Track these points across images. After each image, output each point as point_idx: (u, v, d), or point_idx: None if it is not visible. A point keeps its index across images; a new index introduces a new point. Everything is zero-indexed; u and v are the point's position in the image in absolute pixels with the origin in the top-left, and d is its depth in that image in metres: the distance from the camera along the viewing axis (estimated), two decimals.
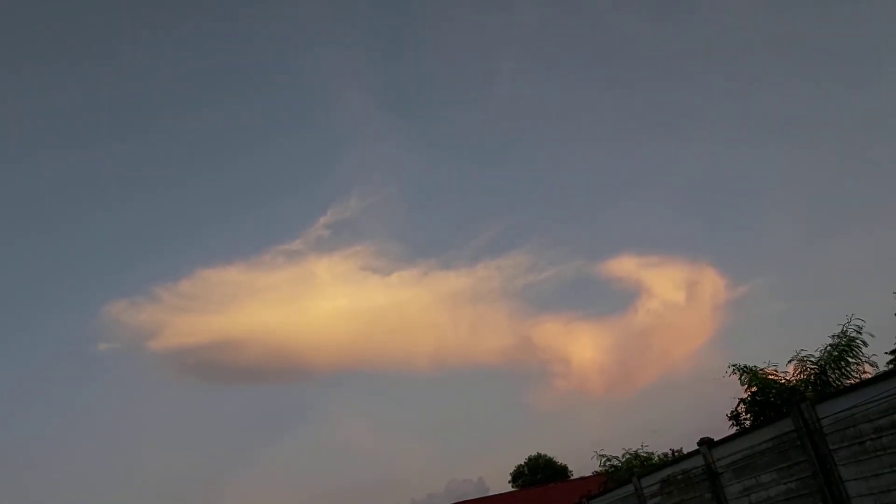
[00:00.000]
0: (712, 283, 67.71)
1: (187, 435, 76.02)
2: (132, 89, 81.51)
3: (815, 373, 15.11)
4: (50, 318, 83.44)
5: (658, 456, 22.03)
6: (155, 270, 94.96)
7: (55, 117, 77.93)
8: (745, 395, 16.34)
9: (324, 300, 73.41)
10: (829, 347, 15.07)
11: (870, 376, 13.65)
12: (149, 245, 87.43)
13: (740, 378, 16.20)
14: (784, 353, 16.14)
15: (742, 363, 16.38)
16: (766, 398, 15.66)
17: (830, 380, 14.79)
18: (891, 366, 15.20)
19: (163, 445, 73.94)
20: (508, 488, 51.24)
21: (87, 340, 79.16)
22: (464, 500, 45.37)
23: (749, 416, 16.27)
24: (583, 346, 70.95)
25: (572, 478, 49.70)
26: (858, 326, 14.79)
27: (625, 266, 70.78)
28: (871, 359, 14.76)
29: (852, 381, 14.22)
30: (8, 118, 74.12)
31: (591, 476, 38.59)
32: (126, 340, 74.77)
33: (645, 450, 21.86)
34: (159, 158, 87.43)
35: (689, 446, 16.75)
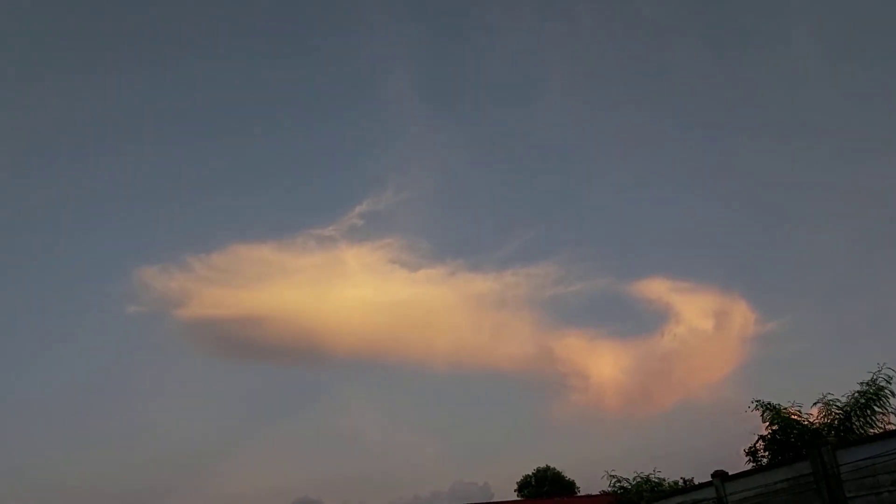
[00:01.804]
0: (742, 315, 66.65)
1: (201, 404, 77.63)
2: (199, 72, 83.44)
3: (840, 418, 14.95)
4: (83, 276, 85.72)
5: (669, 483, 21.91)
6: (189, 239, 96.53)
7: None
8: (765, 432, 16.22)
9: (350, 288, 74.13)
10: (856, 394, 14.91)
11: (895, 428, 13.49)
12: (186, 213, 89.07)
13: (762, 415, 16.10)
14: (809, 394, 16.02)
15: (766, 400, 16.30)
16: (786, 438, 15.54)
17: (854, 427, 14.63)
18: None
19: (176, 411, 75.50)
20: (513, 496, 51.14)
21: (117, 301, 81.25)
22: (469, 503, 45.38)
23: (767, 453, 16.15)
24: (604, 363, 70.51)
25: (579, 494, 49.43)
26: (888, 376, 14.62)
27: (655, 288, 70.07)
28: None
29: (876, 431, 14.05)
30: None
31: (598, 495, 38.32)
32: (154, 305, 76.53)
33: (657, 475, 21.74)
34: (206, 130, 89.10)
35: (702, 477, 16.71)
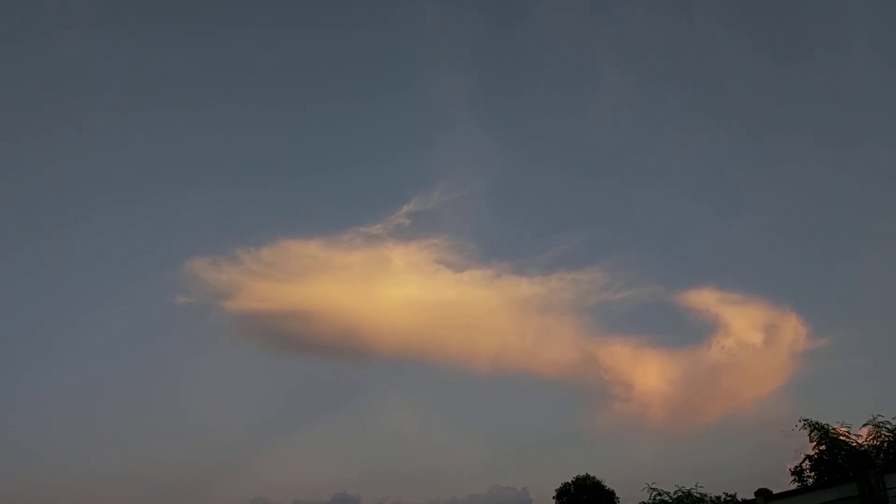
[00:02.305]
0: (793, 329, 65.03)
1: (245, 396, 79.72)
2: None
3: (890, 440, 14.68)
4: (135, 265, 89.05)
5: (710, 498, 21.65)
6: (239, 232, 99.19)
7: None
8: (812, 452, 16.01)
9: (394, 287, 75.11)
10: None
11: None
12: (237, 207, 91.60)
13: (810, 434, 15.91)
14: (859, 414, 15.76)
15: (813, 419, 16.10)
16: (833, 458, 15.31)
17: None
18: None
19: (220, 403, 77.60)
20: None
21: (167, 291, 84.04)
22: None
23: (813, 473, 15.93)
24: (649, 373, 69.68)
25: None
26: None
27: (704, 299, 68.91)
28: None
29: None
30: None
31: None
32: (203, 297, 78.94)
33: (698, 489, 21.51)
34: (259, 129, 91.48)
35: (744, 494, 16.53)
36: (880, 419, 15.10)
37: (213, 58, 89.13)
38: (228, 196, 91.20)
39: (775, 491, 14.38)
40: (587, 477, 51.63)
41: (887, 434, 14.75)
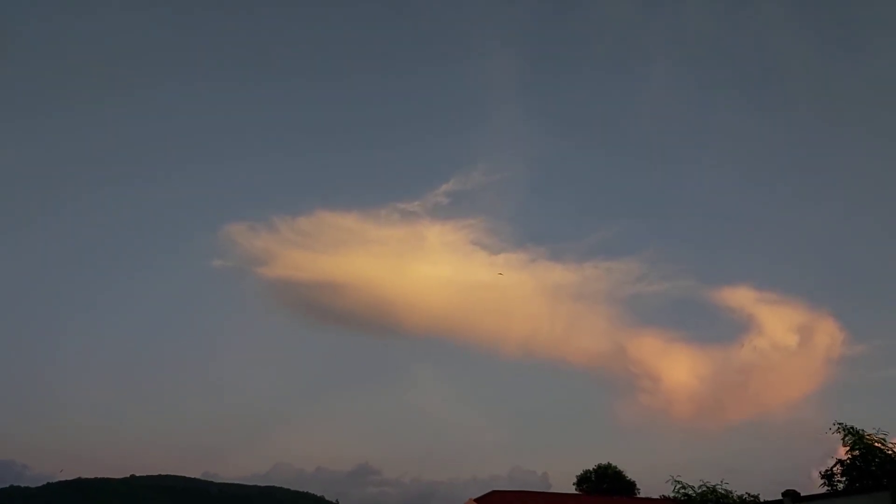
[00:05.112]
0: (830, 334, 63.98)
1: (274, 363, 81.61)
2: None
3: None
4: (173, 226, 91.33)
5: (735, 496, 21.42)
6: (277, 200, 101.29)
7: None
8: (844, 457, 15.73)
9: (429, 265, 75.89)
10: None
11: None
12: (277, 174, 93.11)
13: (844, 438, 15.63)
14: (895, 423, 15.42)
15: (849, 424, 15.80)
16: (866, 465, 15.01)
17: None
18: None
19: (250, 367, 79.51)
20: (572, 490, 51.10)
21: (204, 254, 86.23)
22: (526, 490, 45.49)
23: (844, 479, 15.66)
24: (677, 368, 69.27)
25: (639, 496, 48.90)
26: None
27: (740, 297, 68.19)
28: None
29: None
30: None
31: (658, 499, 37.71)
32: (238, 262, 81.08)
33: (724, 486, 21.30)
34: (304, 99, 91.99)
35: (767, 495, 16.31)
36: None
37: (260, 35, 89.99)
38: (269, 165, 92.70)
39: (803, 493, 14.16)
40: (609, 466, 51.75)
41: None
